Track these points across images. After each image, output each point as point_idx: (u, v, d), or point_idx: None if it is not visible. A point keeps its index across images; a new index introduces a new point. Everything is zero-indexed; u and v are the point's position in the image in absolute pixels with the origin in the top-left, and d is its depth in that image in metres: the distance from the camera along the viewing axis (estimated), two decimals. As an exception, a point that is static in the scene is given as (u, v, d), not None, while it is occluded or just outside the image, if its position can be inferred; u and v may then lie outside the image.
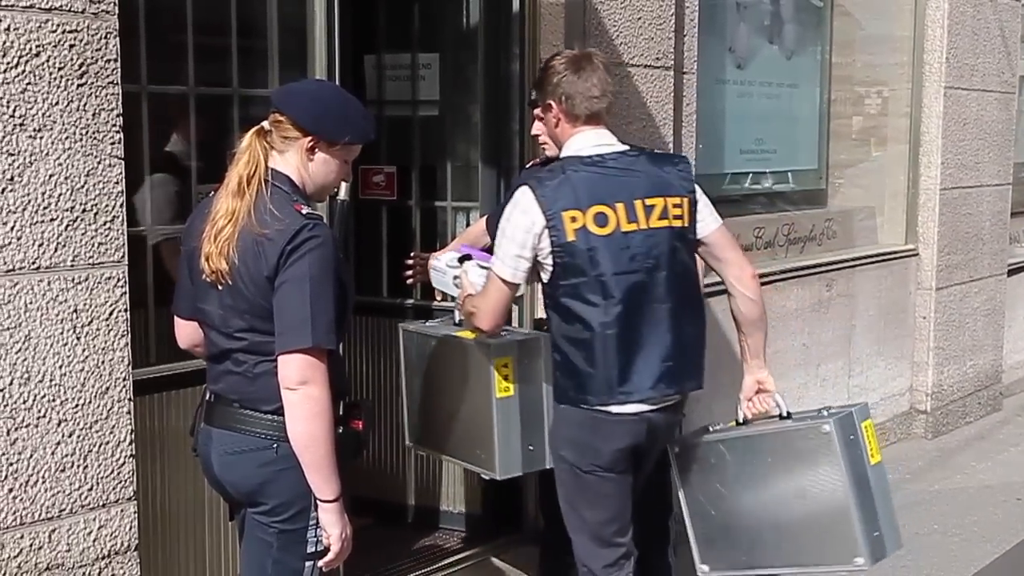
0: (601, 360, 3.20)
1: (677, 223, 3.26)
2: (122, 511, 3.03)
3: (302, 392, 2.62)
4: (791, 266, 6.16)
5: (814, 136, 6.82)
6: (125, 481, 3.03)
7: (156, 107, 3.48)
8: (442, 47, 4.81)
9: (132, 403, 3.03)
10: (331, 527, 2.73)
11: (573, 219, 3.16)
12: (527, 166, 4.22)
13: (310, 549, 2.78)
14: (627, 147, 3.36)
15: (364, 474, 4.71)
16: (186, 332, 2.95)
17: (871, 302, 6.69)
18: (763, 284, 5.73)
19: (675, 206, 3.27)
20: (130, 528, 3.05)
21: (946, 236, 7.06)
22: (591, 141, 3.31)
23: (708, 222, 3.36)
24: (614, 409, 3.22)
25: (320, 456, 2.66)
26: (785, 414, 3.26)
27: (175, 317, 2.97)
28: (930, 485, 6.17)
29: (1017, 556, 5.15)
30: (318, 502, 2.71)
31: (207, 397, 2.89)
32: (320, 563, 2.78)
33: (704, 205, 3.36)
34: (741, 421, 3.35)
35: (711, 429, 3.38)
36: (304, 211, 2.69)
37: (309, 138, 2.77)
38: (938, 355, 7.11)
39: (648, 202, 3.23)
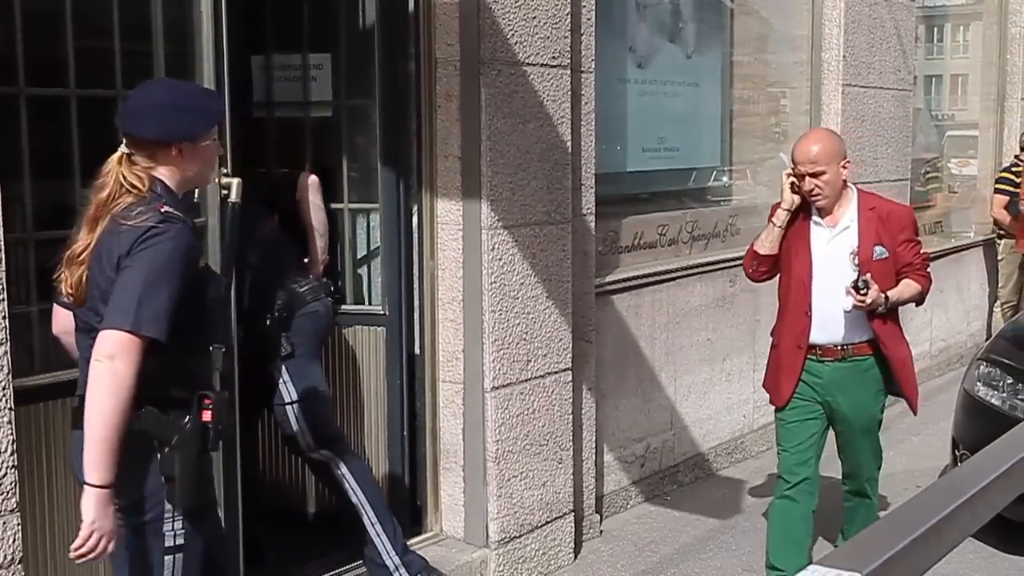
0: None
1: None
2: (4, 523, 2.96)
3: (107, 366, 2.59)
4: (695, 263, 6.22)
5: (717, 134, 6.89)
6: (7, 493, 2.96)
7: (35, 110, 3.40)
8: (334, 47, 4.78)
9: (13, 413, 2.97)
10: (87, 513, 2.60)
11: None
12: None
13: (167, 543, 2.77)
14: None
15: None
16: (60, 318, 2.95)
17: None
18: (667, 281, 5.93)
19: None
20: (13, 541, 2.98)
21: (848, 229, 7.16)
22: None
23: None
24: None
25: (101, 432, 2.59)
26: None
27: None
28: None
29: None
30: (85, 485, 2.61)
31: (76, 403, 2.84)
32: (71, 554, 2.66)
33: None
34: None
35: None
36: (164, 209, 2.70)
37: (171, 147, 2.79)
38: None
39: None
